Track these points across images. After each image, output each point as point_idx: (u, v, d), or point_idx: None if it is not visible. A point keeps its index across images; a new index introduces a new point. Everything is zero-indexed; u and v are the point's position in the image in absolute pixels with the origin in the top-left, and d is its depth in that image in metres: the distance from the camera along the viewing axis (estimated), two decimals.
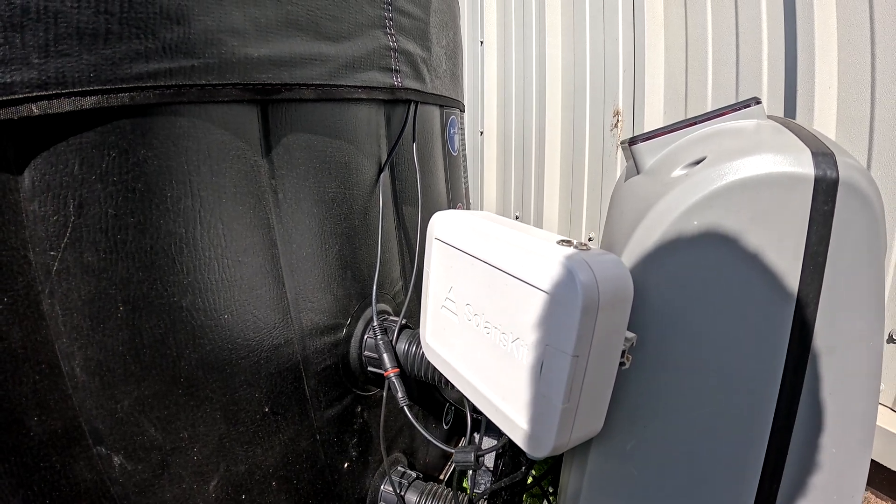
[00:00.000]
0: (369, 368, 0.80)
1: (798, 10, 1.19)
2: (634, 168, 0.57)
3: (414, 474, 0.88)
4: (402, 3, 0.81)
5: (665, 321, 0.47)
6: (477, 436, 0.74)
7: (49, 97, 0.43)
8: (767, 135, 0.48)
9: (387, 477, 0.87)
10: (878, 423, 1.02)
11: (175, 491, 0.57)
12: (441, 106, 1.04)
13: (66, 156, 0.46)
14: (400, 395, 0.75)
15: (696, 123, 0.53)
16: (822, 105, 1.17)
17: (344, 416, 0.79)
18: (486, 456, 0.82)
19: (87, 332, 0.49)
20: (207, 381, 0.59)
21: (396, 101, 0.85)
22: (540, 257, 0.44)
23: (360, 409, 0.82)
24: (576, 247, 0.45)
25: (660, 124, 1.32)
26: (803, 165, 0.42)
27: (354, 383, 0.80)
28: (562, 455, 0.65)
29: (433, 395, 1.02)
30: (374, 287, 0.81)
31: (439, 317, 0.62)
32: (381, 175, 0.84)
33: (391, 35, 0.78)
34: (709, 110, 0.56)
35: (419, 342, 0.77)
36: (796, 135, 0.46)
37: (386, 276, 0.87)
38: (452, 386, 0.63)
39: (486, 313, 0.52)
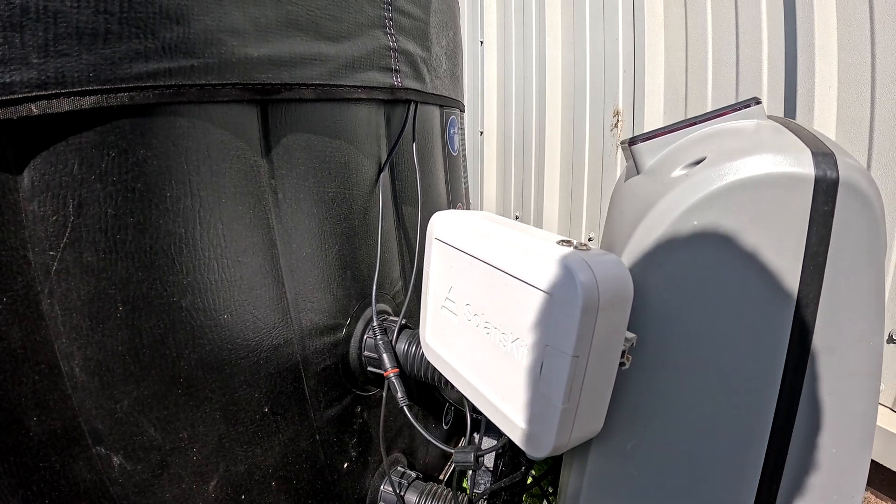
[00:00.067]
0: (369, 368, 0.80)
1: (798, 10, 1.19)
2: (634, 168, 0.57)
3: (414, 474, 0.88)
4: (402, 3, 0.81)
5: (665, 321, 0.47)
6: (477, 436, 0.74)
7: (48, 97, 0.42)
8: (767, 135, 0.48)
9: (386, 477, 0.87)
10: (878, 423, 1.01)
11: (175, 491, 0.57)
12: (441, 106, 1.04)
13: (66, 156, 0.46)
14: (400, 395, 0.75)
15: (696, 123, 0.53)
16: (822, 105, 1.17)
17: (344, 416, 0.79)
18: (486, 456, 0.82)
19: (87, 332, 0.49)
20: (207, 381, 0.58)
21: (396, 101, 0.85)
22: (540, 257, 0.44)
23: (359, 410, 0.82)
24: (576, 247, 0.45)
25: (660, 124, 1.32)
26: (803, 166, 0.42)
27: (354, 383, 0.80)
28: (562, 455, 0.65)
29: (433, 395, 1.02)
30: (374, 287, 0.81)
31: (439, 317, 0.62)
32: (381, 175, 0.83)
33: (391, 35, 0.78)
34: (709, 110, 0.56)
35: (419, 342, 0.77)
36: (796, 135, 0.46)
37: (386, 276, 0.87)
38: (452, 386, 0.63)
39: (485, 313, 0.52)
